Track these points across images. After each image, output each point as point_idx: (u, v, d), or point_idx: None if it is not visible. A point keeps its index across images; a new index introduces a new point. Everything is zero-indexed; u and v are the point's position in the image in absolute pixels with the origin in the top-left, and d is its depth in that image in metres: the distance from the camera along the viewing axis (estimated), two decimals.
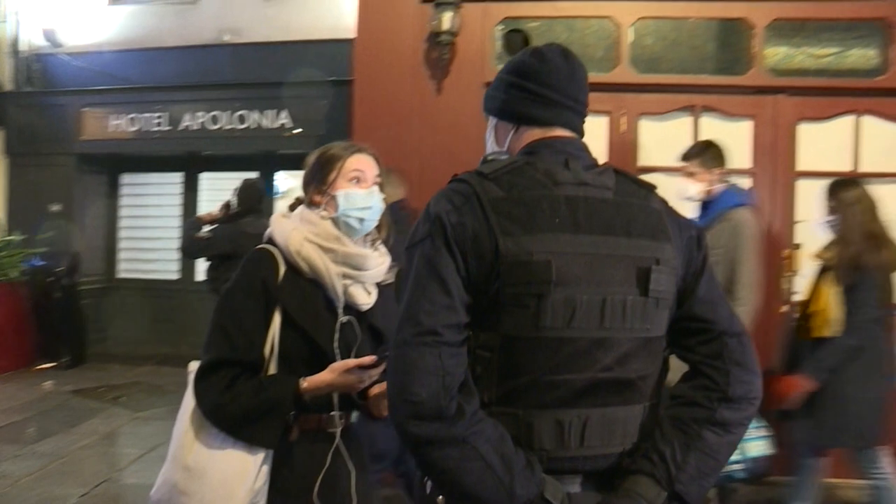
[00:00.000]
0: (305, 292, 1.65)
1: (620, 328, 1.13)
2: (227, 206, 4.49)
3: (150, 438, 4.75)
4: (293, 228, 1.68)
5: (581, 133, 1.30)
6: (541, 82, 1.27)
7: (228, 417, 1.56)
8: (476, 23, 4.10)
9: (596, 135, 4.09)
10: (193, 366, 1.65)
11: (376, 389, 1.70)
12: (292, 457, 1.62)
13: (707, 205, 3.11)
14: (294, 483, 1.61)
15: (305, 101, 7.23)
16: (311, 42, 7.35)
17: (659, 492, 1.12)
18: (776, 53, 4.21)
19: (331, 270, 1.65)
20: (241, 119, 7.47)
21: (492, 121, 1.37)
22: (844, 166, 3.95)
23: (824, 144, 4.01)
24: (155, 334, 7.88)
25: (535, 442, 1.11)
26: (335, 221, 1.69)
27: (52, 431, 5.02)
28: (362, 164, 1.73)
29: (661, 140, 4.11)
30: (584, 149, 1.27)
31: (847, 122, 4.02)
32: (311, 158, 1.76)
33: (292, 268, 1.65)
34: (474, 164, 4.09)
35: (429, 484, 1.18)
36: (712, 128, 3.99)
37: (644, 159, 4.10)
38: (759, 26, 4.06)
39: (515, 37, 4.16)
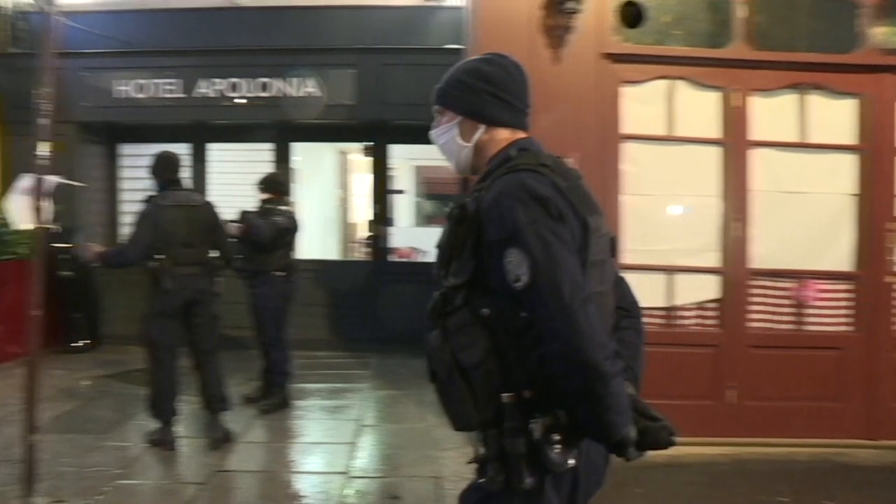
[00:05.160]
0: None
1: (609, 282, 1.51)
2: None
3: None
4: None
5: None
6: (510, 92, 1.53)
7: None
8: None
9: (706, 107, 4.13)
10: None
11: None
12: None
13: None
14: None
15: (333, 70, 7.01)
16: (335, 7, 7.11)
17: (636, 389, 1.49)
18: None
19: None
20: (264, 87, 7.10)
21: (454, 116, 1.57)
22: None
23: None
24: None
25: None
26: None
27: (115, 420, 4.70)
28: None
29: (771, 115, 4.19)
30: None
31: None
32: None
33: None
34: (584, 137, 4.15)
35: (536, 429, 1.32)
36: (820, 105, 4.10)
37: (755, 134, 4.16)
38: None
39: (630, 9, 4.10)
